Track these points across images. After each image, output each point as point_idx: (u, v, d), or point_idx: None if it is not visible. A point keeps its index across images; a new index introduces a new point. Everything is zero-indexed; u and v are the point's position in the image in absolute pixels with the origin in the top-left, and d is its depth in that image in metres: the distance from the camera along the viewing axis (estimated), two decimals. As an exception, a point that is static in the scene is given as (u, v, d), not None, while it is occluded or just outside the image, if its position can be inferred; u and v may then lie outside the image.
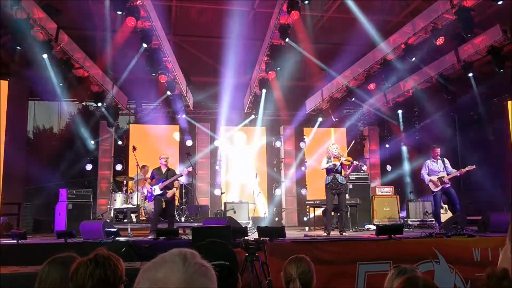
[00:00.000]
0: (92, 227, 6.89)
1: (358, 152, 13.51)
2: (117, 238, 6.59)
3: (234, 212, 10.02)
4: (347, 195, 8.54)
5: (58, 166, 11.99)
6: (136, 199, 9.92)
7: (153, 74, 10.35)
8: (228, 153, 13.17)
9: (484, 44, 9.51)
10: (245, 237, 5.59)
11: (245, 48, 11.85)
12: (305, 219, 11.49)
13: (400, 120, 13.11)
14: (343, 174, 7.92)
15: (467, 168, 8.11)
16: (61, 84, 9.69)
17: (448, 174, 8.25)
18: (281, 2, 8.98)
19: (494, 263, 1.66)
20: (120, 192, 10.37)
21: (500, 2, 7.79)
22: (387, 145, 14.05)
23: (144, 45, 9.19)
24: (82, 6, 10.20)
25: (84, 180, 12.19)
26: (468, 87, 10.93)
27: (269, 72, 10.67)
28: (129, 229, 8.37)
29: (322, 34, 11.72)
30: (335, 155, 7.87)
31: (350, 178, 9.90)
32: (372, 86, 11.35)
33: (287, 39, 9.51)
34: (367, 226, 9.89)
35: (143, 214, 9.76)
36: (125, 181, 10.88)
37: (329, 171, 7.88)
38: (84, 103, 11.82)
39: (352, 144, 9.39)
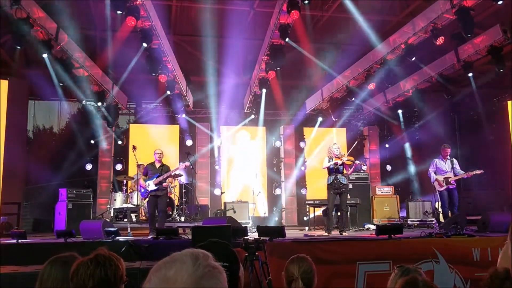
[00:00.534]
0: (92, 226, 6.89)
1: (358, 152, 13.50)
2: (117, 238, 6.59)
3: (234, 211, 10.02)
4: (348, 195, 8.55)
5: (58, 166, 11.98)
6: (136, 199, 9.92)
7: (153, 74, 10.34)
8: (228, 152, 13.18)
9: (484, 44, 9.52)
10: (245, 237, 5.59)
11: (245, 48, 11.85)
12: (305, 219, 11.49)
13: (401, 119, 13.11)
14: (344, 173, 7.94)
15: (474, 172, 8.11)
16: (61, 84, 9.69)
17: (455, 175, 8.25)
18: (281, 2, 8.97)
19: (494, 263, 1.67)
20: (120, 192, 10.37)
21: (500, 2, 7.78)
22: (387, 145, 14.05)
23: (144, 44, 9.18)
24: (82, 6, 10.20)
25: (84, 179, 12.18)
26: (468, 87, 10.94)
27: (269, 71, 10.67)
28: (129, 228, 8.38)
29: (322, 34, 11.71)
30: (337, 155, 7.89)
31: (350, 178, 9.91)
32: (372, 86, 11.35)
33: (287, 39, 9.51)
34: (367, 226, 9.89)
35: (143, 214, 9.75)
36: (125, 181, 10.88)
37: (331, 171, 7.90)
38: (84, 103, 11.80)
39: (355, 143, 9.39)
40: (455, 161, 8.40)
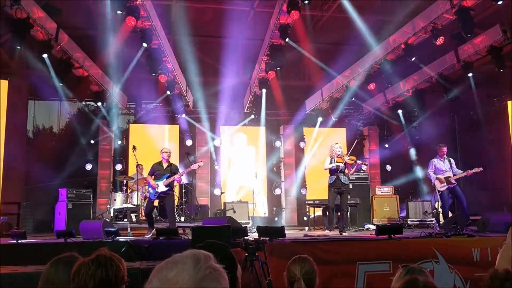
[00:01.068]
0: (92, 226, 6.88)
1: (358, 152, 13.49)
2: (117, 238, 6.58)
3: (234, 212, 10.02)
4: (348, 195, 8.55)
5: (58, 166, 11.98)
6: (136, 199, 9.92)
7: (153, 74, 10.35)
8: (228, 152, 13.18)
9: (484, 44, 9.51)
10: (245, 237, 5.59)
11: (245, 48, 11.85)
12: (305, 219, 11.49)
13: (402, 119, 13.11)
14: (346, 173, 7.95)
15: (474, 170, 8.08)
16: (61, 84, 9.69)
17: (454, 175, 8.25)
18: (281, 2, 8.98)
19: (494, 263, 1.67)
20: (120, 192, 10.37)
21: (500, 2, 7.79)
22: (386, 145, 14.05)
23: (144, 44, 9.19)
24: (82, 6, 10.20)
25: (84, 179, 12.18)
26: (468, 87, 10.94)
27: (269, 71, 10.67)
28: (129, 228, 8.37)
29: (322, 34, 11.70)
30: (338, 155, 7.91)
31: (350, 178, 9.91)
32: (372, 86, 11.35)
33: (287, 39, 9.52)
34: (366, 226, 9.90)
35: (143, 214, 9.75)
36: (125, 181, 10.88)
37: (332, 171, 7.91)
38: (84, 103, 11.81)
39: (354, 143, 9.40)
40: (452, 160, 8.41)
